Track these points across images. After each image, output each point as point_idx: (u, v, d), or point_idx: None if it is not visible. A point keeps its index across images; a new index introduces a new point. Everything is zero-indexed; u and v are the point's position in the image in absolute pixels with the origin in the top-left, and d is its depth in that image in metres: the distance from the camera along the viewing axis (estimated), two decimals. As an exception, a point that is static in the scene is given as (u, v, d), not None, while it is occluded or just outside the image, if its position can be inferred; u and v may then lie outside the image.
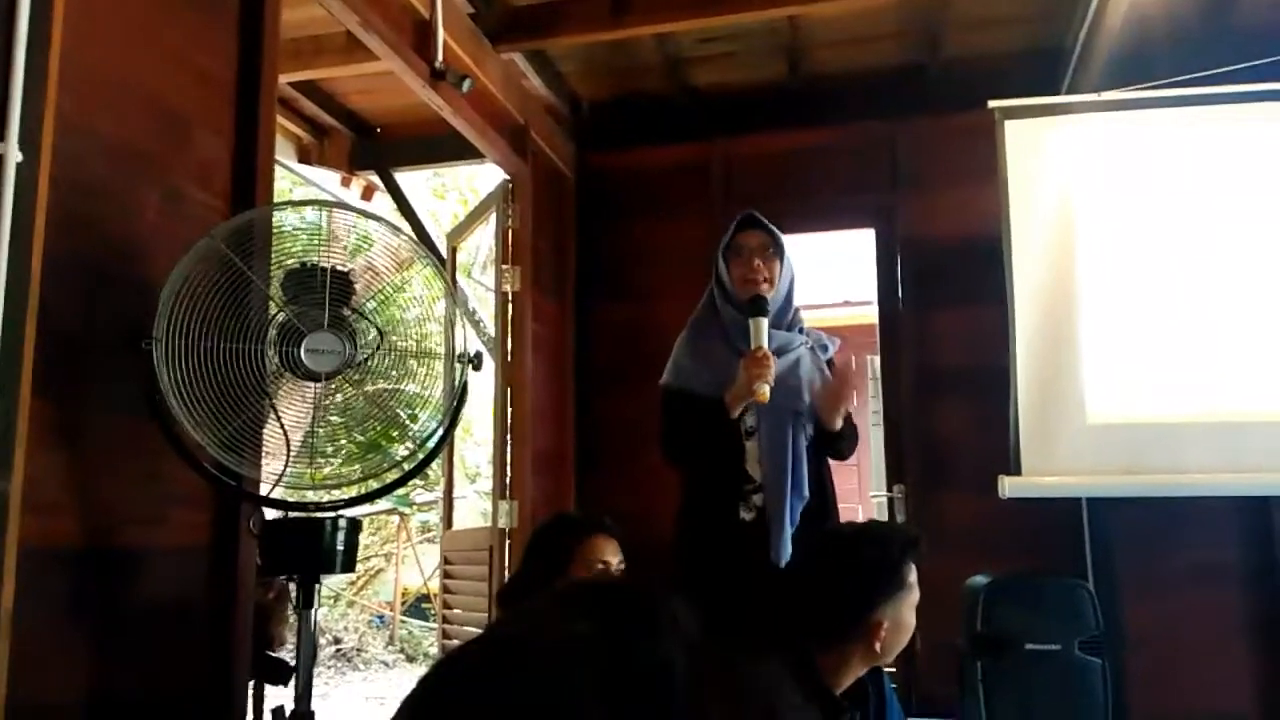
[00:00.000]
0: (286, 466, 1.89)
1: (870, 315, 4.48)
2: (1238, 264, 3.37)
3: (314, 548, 1.81)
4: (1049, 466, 3.35)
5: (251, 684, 2.21)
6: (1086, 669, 3.24)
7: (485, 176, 5.98)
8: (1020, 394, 3.39)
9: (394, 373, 2.03)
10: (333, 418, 2.02)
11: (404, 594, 8.57)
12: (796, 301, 2.33)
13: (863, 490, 6.60)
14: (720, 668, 0.53)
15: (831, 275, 6.93)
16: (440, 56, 3.18)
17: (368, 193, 4.87)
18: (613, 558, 2.00)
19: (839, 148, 4.17)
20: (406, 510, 8.86)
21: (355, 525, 1.92)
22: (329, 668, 7.30)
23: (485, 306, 5.92)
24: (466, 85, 3.26)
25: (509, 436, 3.83)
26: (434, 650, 7.68)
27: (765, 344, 2.12)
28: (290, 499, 1.93)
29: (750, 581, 2.03)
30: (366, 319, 1.99)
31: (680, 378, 2.26)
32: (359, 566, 8.62)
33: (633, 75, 4.22)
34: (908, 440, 3.97)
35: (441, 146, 4.28)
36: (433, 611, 8.01)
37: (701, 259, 3.81)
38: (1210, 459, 3.22)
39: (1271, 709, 3.46)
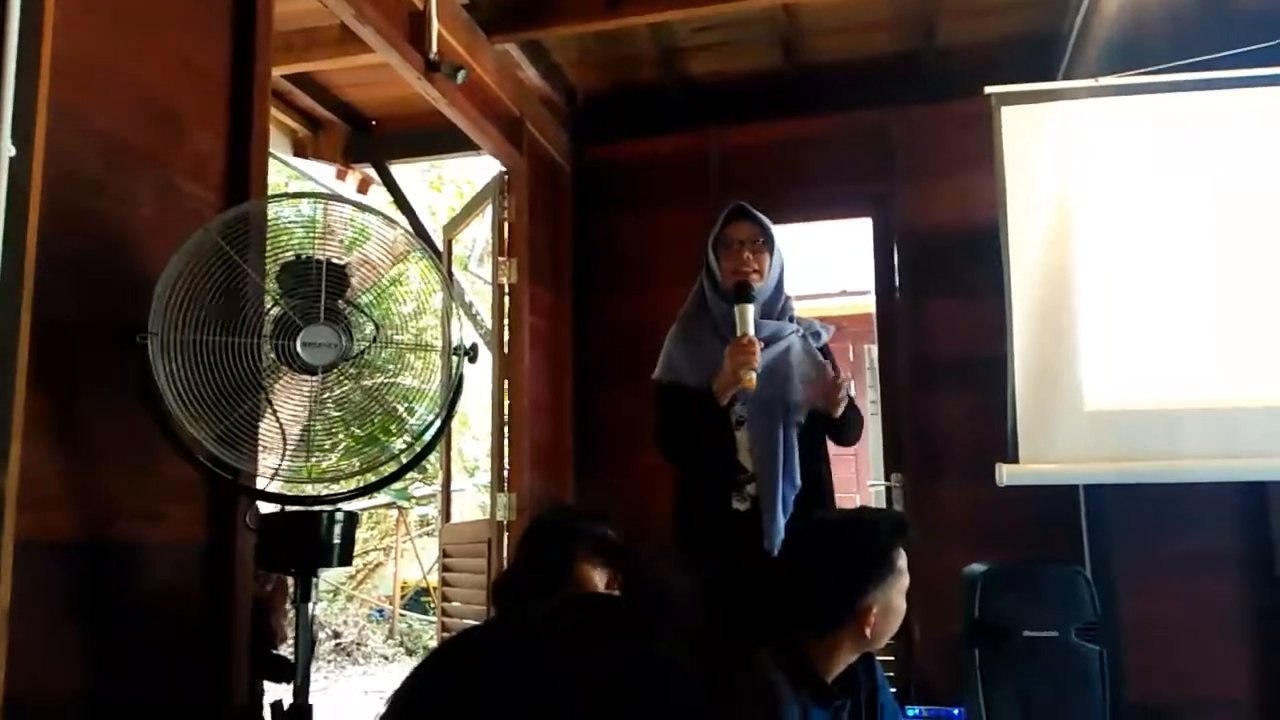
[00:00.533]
0: (283, 460, 1.89)
1: (868, 305, 4.49)
2: (1235, 250, 3.37)
3: (311, 542, 1.81)
4: (1047, 454, 3.35)
5: (249, 680, 2.21)
6: (1084, 656, 3.25)
7: (481, 169, 5.97)
8: (1017, 382, 3.39)
9: (391, 366, 2.03)
10: (330, 411, 2.02)
11: (403, 588, 8.58)
12: (789, 290, 2.33)
13: (860, 479, 6.61)
14: (716, 663, 0.53)
15: (829, 265, 6.93)
16: (435, 48, 3.17)
17: (363, 186, 4.86)
18: (601, 581, 1.97)
19: (835, 136, 4.16)
20: (405, 504, 8.86)
21: (352, 518, 1.92)
22: (328, 662, 7.31)
23: (482, 299, 5.92)
24: (461, 76, 3.25)
25: (507, 429, 3.83)
26: (434, 644, 7.69)
27: (751, 331, 2.12)
28: (287, 493, 1.93)
29: (744, 571, 2.03)
30: (362, 312, 1.99)
31: (671, 371, 2.26)
32: (358, 561, 8.67)
33: (628, 65, 4.21)
34: (905, 429, 3.97)
35: (437, 139, 4.27)
36: (432, 605, 8.02)
37: (699, 250, 3.82)
38: (1208, 445, 3.23)
39: (1268, 695, 3.47)
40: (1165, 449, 3.26)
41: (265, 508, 1.96)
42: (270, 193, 2.50)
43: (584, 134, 4.43)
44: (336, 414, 1.99)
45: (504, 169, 3.99)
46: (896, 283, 4.09)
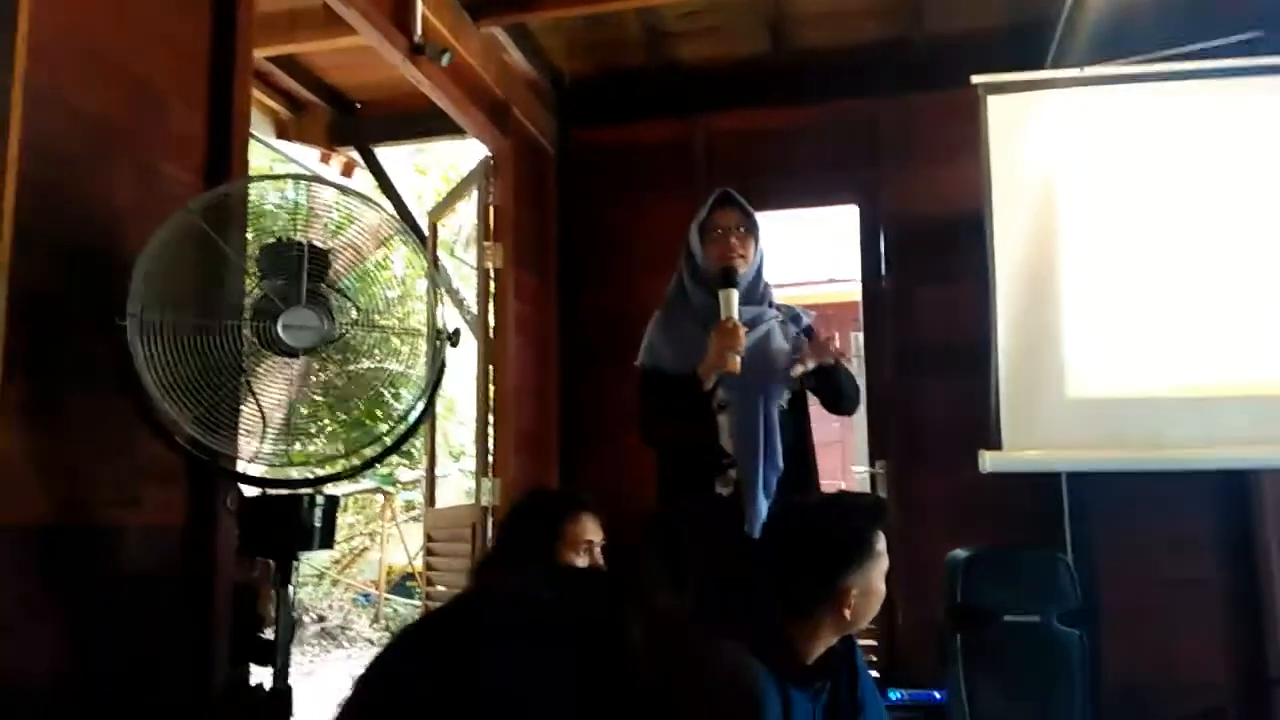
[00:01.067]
0: (262, 444, 1.88)
1: (854, 293, 4.49)
2: (1219, 239, 3.39)
3: (291, 525, 1.81)
4: (1029, 441, 3.37)
5: (235, 664, 2.21)
6: (1064, 640, 3.28)
7: (467, 154, 5.94)
8: (1001, 369, 3.40)
9: (377, 351, 2.02)
10: (315, 396, 2.01)
11: (389, 573, 8.57)
12: (769, 277, 2.33)
13: (845, 466, 6.64)
14: (685, 641, 0.54)
15: (816, 253, 6.94)
16: (420, 30, 3.14)
17: (348, 169, 4.83)
18: (596, 536, 2.00)
19: (822, 123, 4.16)
20: (391, 489, 8.86)
21: (333, 502, 1.91)
22: (314, 646, 7.32)
23: (468, 285, 5.89)
24: (446, 58, 3.23)
25: (491, 414, 3.82)
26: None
27: (735, 315, 2.12)
28: (268, 476, 1.92)
29: (727, 556, 2.04)
30: (345, 295, 1.98)
31: (653, 357, 2.26)
32: (344, 546, 8.67)
33: (615, 50, 4.18)
34: (890, 416, 3.99)
35: (422, 122, 4.24)
36: (418, 590, 8.02)
37: (684, 236, 3.81)
38: (1190, 433, 3.25)
39: (1246, 681, 3.51)
40: (1147, 436, 3.28)
41: (246, 491, 1.96)
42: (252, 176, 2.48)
43: (570, 119, 4.41)
44: (321, 399, 1.98)
45: (490, 153, 3.97)
46: (883, 270, 4.09)
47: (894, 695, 3.53)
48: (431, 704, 0.49)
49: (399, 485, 9.01)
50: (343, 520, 8.66)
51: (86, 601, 1.83)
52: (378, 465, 2.25)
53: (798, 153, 4.13)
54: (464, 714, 0.48)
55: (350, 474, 2.01)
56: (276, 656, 1.79)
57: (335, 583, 8.47)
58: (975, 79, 3.54)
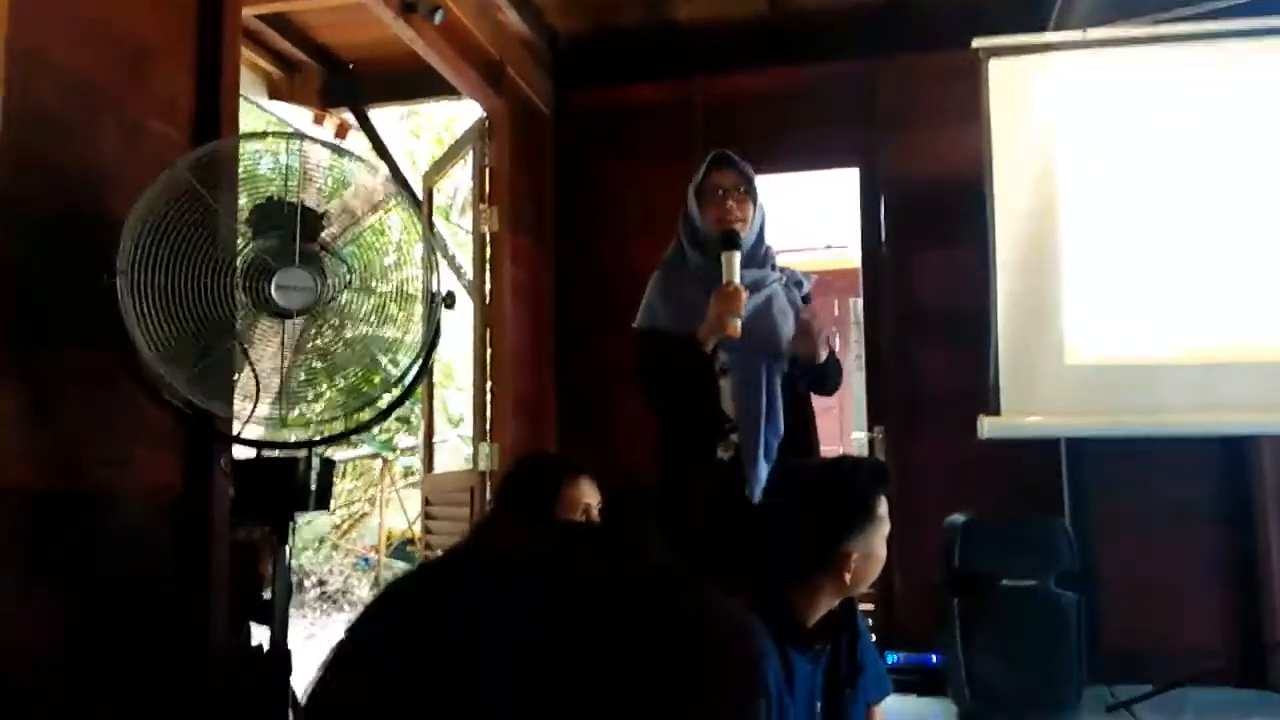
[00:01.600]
0: (257, 406, 1.86)
1: (852, 259, 4.46)
2: (1220, 205, 3.35)
3: (287, 487, 1.79)
4: (1028, 407, 3.36)
5: (236, 625, 2.21)
6: (1062, 605, 3.29)
7: (462, 117, 5.88)
8: (1000, 335, 3.38)
9: (374, 317, 2.00)
10: (314, 363, 1.98)
11: (389, 537, 8.60)
12: (770, 240, 2.30)
13: (844, 431, 6.64)
14: (682, 595, 0.52)
15: (814, 219, 6.89)
16: (412, -13, 3.09)
17: (341, 131, 4.77)
18: (593, 499, 1.99)
19: (821, 86, 4.11)
20: (390, 455, 8.87)
21: (329, 464, 1.90)
22: (314, 609, 7.35)
23: (464, 251, 5.86)
24: (438, 16, 3.18)
25: (489, 379, 3.81)
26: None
27: (737, 278, 2.09)
28: (263, 438, 1.91)
29: (727, 520, 2.02)
30: (339, 258, 1.95)
31: (652, 319, 2.23)
32: (344, 511, 8.69)
33: (611, 9, 4.12)
34: (889, 381, 3.97)
35: (416, 82, 4.18)
36: (418, 555, 8.05)
37: (682, 200, 3.77)
38: (1189, 399, 3.24)
39: (1242, 645, 3.53)
40: (1146, 403, 3.27)
41: (238, 453, 1.94)
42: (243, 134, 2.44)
43: (566, 79, 4.35)
44: (320, 365, 1.96)
45: (484, 114, 3.92)
46: (882, 235, 4.06)
47: (891, 658, 3.55)
48: (420, 658, 0.48)
49: (398, 451, 9.02)
50: (342, 486, 8.70)
51: (82, 565, 1.82)
52: (374, 430, 2.24)
53: (796, 115, 4.08)
54: (454, 671, 0.47)
55: (344, 436, 1.99)
56: (274, 618, 1.78)
57: (335, 547, 8.51)
58: (976, 42, 3.48)
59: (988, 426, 3.34)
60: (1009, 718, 3.19)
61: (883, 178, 4.05)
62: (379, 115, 4.70)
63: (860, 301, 4.23)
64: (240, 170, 1.96)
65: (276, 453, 1.86)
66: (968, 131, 3.54)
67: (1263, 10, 3.39)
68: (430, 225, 4.49)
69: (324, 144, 2.09)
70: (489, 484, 3.67)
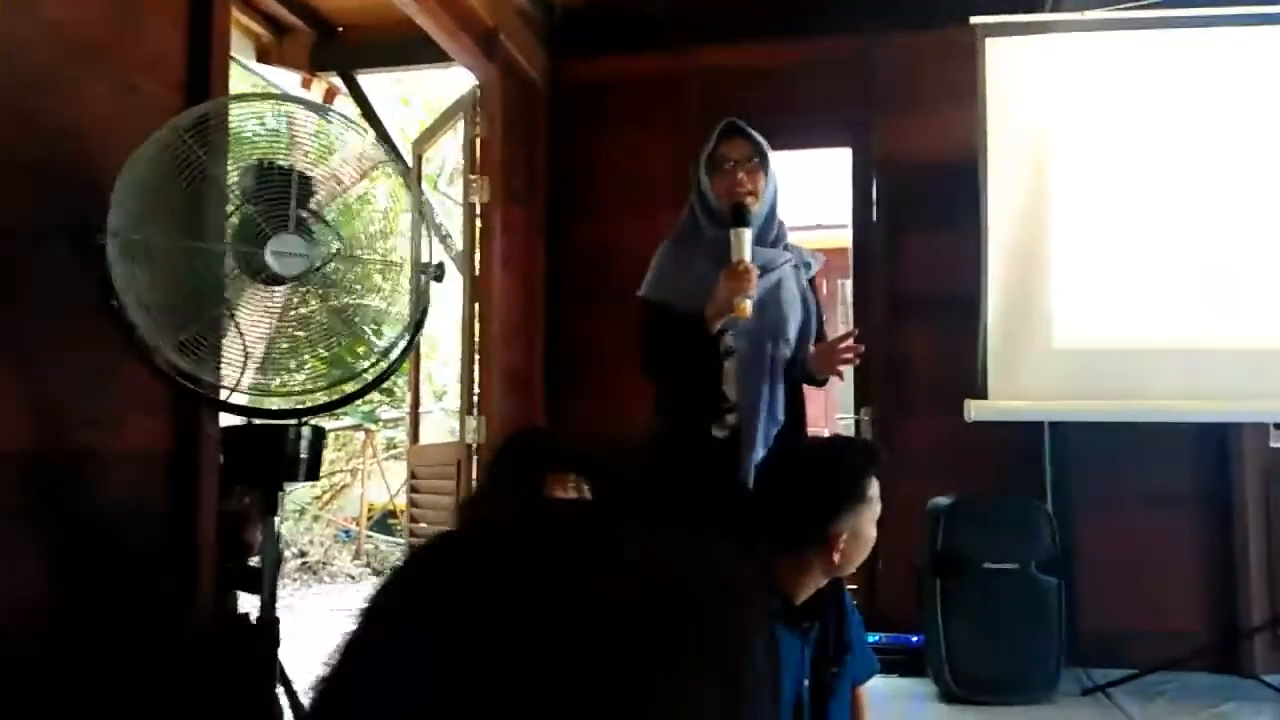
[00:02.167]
0: (244, 374, 1.84)
1: (843, 239, 4.44)
2: (1213, 192, 3.36)
3: (277, 455, 1.77)
4: (1015, 391, 3.37)
5: (221, 592, 2.19)
6: (1042, 588, 3.32)
7: (452, 86, 5.80)
8: (989, 318, 3.39)
9: (359, 286, 1.97)
10: (298, 332, 1.96)
11: (370, 510, 8.58)
12: (782, 217, 2.26)
13: (829, 413, 6.65)
14: (689, 566, 0.53)
15: (805, 198, 6.86)
16: (406, -50, 3.04)
17: (329, 96, 4.70)
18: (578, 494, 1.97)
19: (816, 62, 4.08)
20: (373, 426, 8.83)
21: (319, 433, 1.88)
22: (294, 580, 7.33)
23: (451, 221, 5.80)
24: (434, -19, 3.13)
25: (477, 352, 3.78)
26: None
27: (748, 257, 2.05)
28: (251, 405, 1.88)
29: (717, 497, 2.02)
30: (327, 224, 1.92)
31: (659, 290, 2.19)
32: (325, 482, 8.65)
33: (608, -22, 4.07)
34: (876, 364, 3.97)
35: (407, 49, 4.12)
36: (399, 527, 8.04)
37: (675, 174, 3.75)
38: (1174, 386, 3.25)
39: (1218, 630, 3.57)
40: (1132, 388, 3.29)
41: (225, 420, 1.92)
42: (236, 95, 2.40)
43: (560, 50, 4.30)
44: (303, 334, 1.93)
45: (477, 84, 3.87)
46: (874, 215, 4.05)
47: (872, 638, 3.56)
48: (434, 631, 0.48)
49: (380, 423, 8.98)
50: (324, 457, 8.64)
51: (68, 528, 1.80)
52: (359, 401, 2.22)
53: (792, 92, 4.05)
54: (466, 644, 0.47)
55: (332, 407, 1.97)
56: (264, 586, 1.77)
57: (316, 518, 8.48)
58: (973, 21, 3.47)
59: (974, 410, 3.35)
60: (988, 698, 3.23)
61: (876, 157, 4.03)
62: (368, 82, 4.63)
63: (849, 283, 4.22)
64: (229, 133, 1.92)
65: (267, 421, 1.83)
66: (963, 113, 3.53)
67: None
68: (420, 192, 4.44)
69: (313, 106, 2.05)
70: (476, 457, 3.65)
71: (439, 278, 2.00)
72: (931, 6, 3.86)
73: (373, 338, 2.03)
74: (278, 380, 1.90)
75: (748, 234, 2.07)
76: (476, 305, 3.82)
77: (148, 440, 1.99)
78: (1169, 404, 3.27)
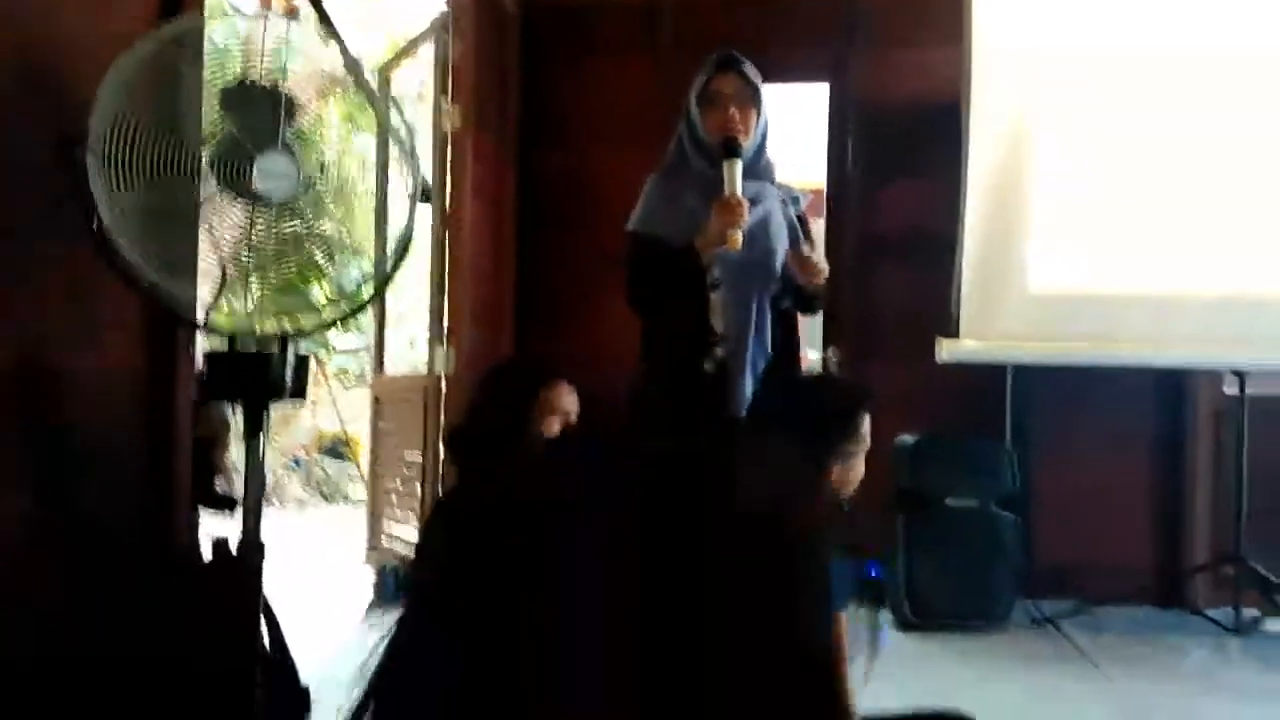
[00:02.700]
0: (221, 294, 1.79)
1: (816, 180, 4.42)
2: (1194, 142, 3.38)
3: (262, 372, 1.73)
4: (987, 332, 3.42)
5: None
6: (1001, 524, 3.43)
7: (416, 12, 5.60)
8: (965, 259, 3.42)
9: (338, 211, 1.93)
10: (276, 248, 1.90)
11: (320, 437, 8.52)
12: (771, 154, 2.24)
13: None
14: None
15: (780, 136, 6.81)
16: None
17: (290, 11, 4.52)
18: (572, 406, 1.98)
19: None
20: (323, 354, 8.71)
21: (303, 360, 1.84)
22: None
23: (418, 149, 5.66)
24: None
25: (447, 282, 3.72)
26: (352, 491, 7.78)
27: (739, 190, 2.04)
28: (230, 327, 1.83)
29: (707, 430, 2.03)
30: (311, 144, 1.87)
31: (648, 223, 2.16)
32: (274, 410, 8.56)
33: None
34: (845, 304, 3.98)
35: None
36: (349, 455, 7.99)
37: (650, 105, 3.70)
38: (1141, 332, 3.33)
39: (1164, 563, 3.73)
40: (1101, 333, 3.36)
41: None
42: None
43: (535, -27, 4.18)
44: (292, 256, 1.88)
45: (447, 8, 3.75)
46: (849, 154, 4.03)
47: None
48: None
49: (332, 350, 8.86)
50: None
51: (42, 444, 1.76)
52: (342, 324, 2.17)
53: (769, 23, 3.98)
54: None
55: (320, 328, 1.93)
56: (247, 511, 1.75)
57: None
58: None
59: (945, 349, 3.41)
60: (943, 628, 3.34)
61: (854, 95, 4.00)
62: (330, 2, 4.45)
63: (822, 221, 4.21)
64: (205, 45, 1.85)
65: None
66: (946, 51, 3.51)
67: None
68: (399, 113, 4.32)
69: (288, 20, 1.97)
70: (444, 388, 3.62)
71: (426, 198, 1.96)
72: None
73: (323, 263, 1.99)
74: (255, 299, 1.86)
75: (739, 166, 2.06)
76: (446, 234, 3.75)
77: (122, 358, 1.94)
78: (1136, 349, 3.35)
